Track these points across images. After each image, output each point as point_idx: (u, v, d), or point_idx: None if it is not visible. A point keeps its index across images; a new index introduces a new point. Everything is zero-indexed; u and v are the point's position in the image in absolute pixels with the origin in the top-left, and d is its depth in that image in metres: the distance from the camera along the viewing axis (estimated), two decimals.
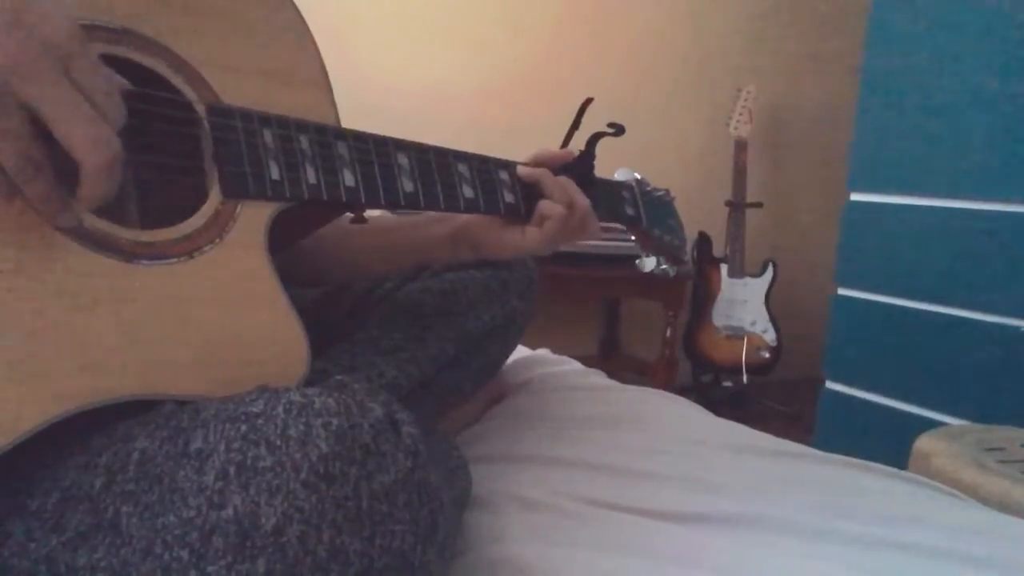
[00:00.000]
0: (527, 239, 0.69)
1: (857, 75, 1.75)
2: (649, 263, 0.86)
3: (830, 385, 1.82)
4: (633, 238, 0.86)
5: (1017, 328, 1.48)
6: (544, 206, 0.69)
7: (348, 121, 0.59)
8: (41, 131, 0.40)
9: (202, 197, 0.51)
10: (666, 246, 0.85)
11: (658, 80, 2.60)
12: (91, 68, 0.41)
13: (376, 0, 2.24)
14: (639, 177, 0.85)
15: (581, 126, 0.77)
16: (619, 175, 0.84)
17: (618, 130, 0.77)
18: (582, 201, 0.70)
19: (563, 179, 0.71)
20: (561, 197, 0.69)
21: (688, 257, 0.74)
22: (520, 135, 2.39)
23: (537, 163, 0.72)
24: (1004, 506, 0.90)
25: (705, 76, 2.65)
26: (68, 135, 0.40)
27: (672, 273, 0.87)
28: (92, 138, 0.40)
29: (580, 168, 0.75)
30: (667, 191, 0.88)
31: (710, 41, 2.65)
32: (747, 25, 2.69)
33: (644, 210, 0.83)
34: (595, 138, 0.76)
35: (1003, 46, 1.49)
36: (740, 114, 2.49)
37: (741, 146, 2.49)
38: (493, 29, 2.37)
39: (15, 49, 0.38)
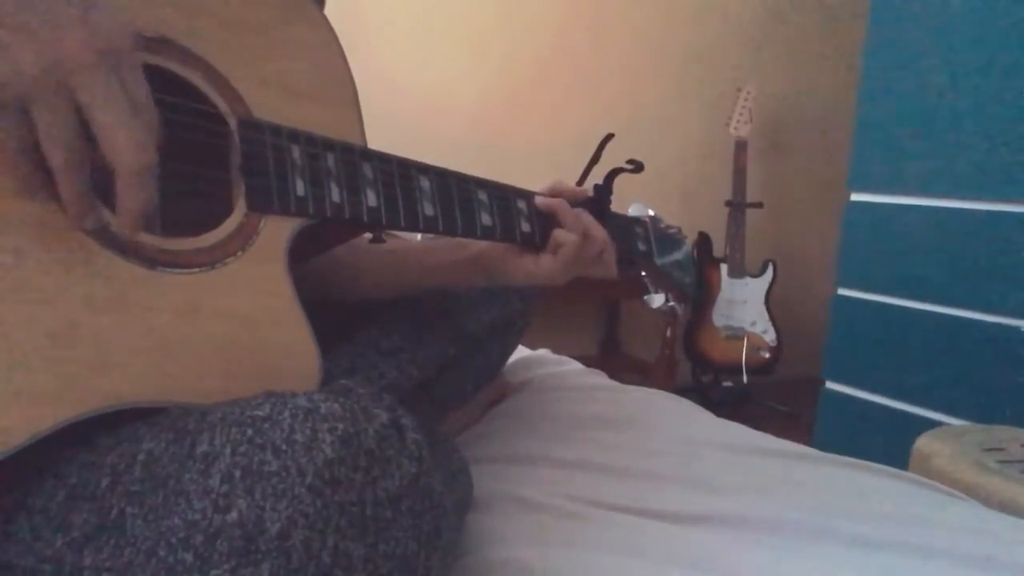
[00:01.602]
0: (540, 267, 0.70)
1: (857, 75, 1.76)
2: (658, 299, 0.87)
3: (830, 385, 1.82)
4: (643, 273, 0.86)
5: (1017, 328, 1.48)
6: (559, 234, 0.69)
7: None
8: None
9: (227, 209, 0.51)
10: (676, 283, 0.86)
11: (658, 80, 2.60)
12: (138, 73, 0.42)
13: (379, 4, 2.24)
14: (653, 214, 0.86)
15: (600, 159, 0.78)
16: (633, 210, 0.85)
17: (637, 167, 0.77)
18: (599, 233, 0.71)
19: (579, 210, 0.71)
20: (576, 227, 0.70)
21: (694, 293, 0.75)
22: (522, 137, 2.40)
23: (553, 194, 0.73)
24: (1004, 506, 0.90)
25: (705, 76, 2.65)
26: (112, 137, 0.41)
27: (680, 311, 0.88)
28: (134, 142, 0.41)
29: (596, 201, 0.76)
30: (679, 229, 0.89)
31: (710, 41, 2.65)
32: (747, 25, 2.69)
33: (656, 246, 0.83)
34: (613, 173, 0.77)
35: (1003, 46, 1.50)
36: (740, 114, 2.49)
37: (741, 146, 2.49)
38: (494, 32, 2.37)
39: (79, 48, 0.39)
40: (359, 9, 2.19)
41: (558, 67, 2.45)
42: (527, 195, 0.70)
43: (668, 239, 0.86)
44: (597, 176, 0.77)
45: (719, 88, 2.63)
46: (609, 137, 0.76)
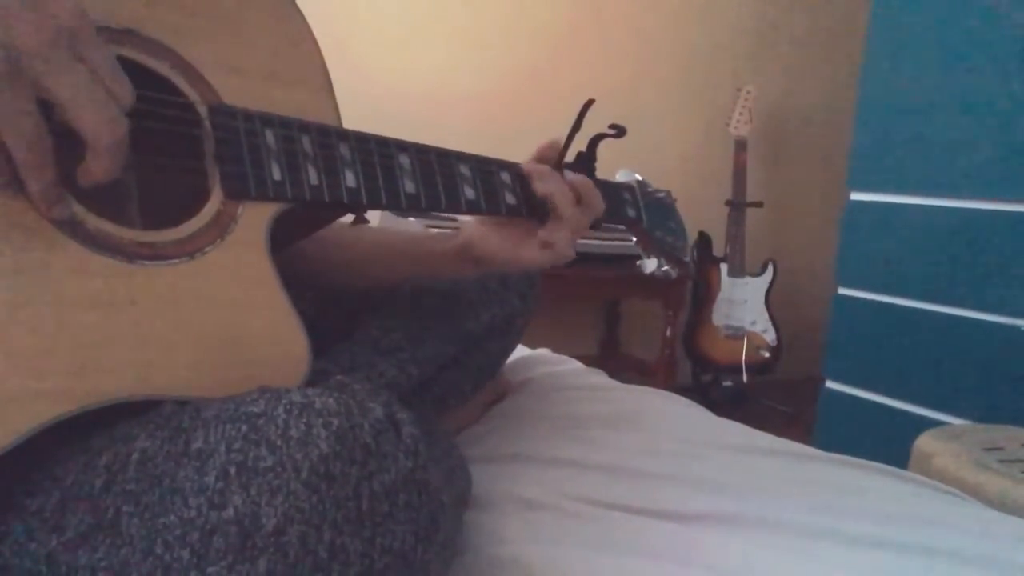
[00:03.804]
0: (530, 257, 0.69)
1: (857, 75, 1.76)
2: (650, 265, 0.86)
3: (830, 385, 1.82)
4: (635, 239, 0.86)
5: (1017, 328, 1.48)
6: (544, 234, 0.68)
7: (349, 123, 0.59)
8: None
9: (204, 198, 0.51)
10: (667, 248, 0.85)
11: (658, 80, 2.60)
12: (99, 49, 0.42)
13: (378, 2, 2.24)
14: (640, 179, 0.85)
15: (581, 127, 0.77)
16: (620, 176, 0.84)
17: (619, 132, 0.76)
18: (585, 186, 0.70)
19: (567, 172, 0.71)
20: (561, 191, 0.69)
21: (689, 258, 0.75)
22: (521, 137, 2.38)
23: (540, 159, 0.73)
24: (1004, 506, 0.90)
25: (705, 76, 2.65)
26: (79, 115, 0.40)
27: (674, 275, 0.88)
28: (103, 117, 0.41)
29: (581, 169, 0.75)
30: (668, 193, 0.88)
31: (710, 41, 2.65)
32: (747, 25, 2.69)
33: (645, 212, 0.83)
34: (596, 139, 0.76)
35: (1002, 46, 1.50)
36: (740, 114, 2.49)
37: (741, 146, 2.49)
38: (494, 31, 2.37)
39: (31, 31, 0.39)
40: (359, 7, 2.19)
41: (558, 66, 2.44)
42: (511, 167, 0.70)
43: (657, 203, 0.85)
44: (579, 144, 0.76)
45: (719, 88, 2.63)
46: (590, 103, 0.76)
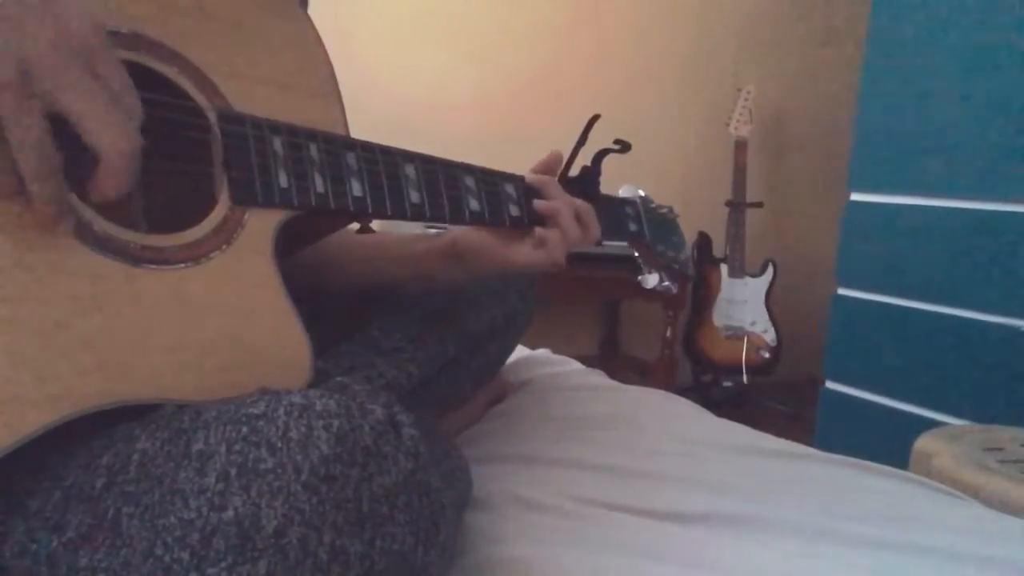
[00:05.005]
0: (523, 257, 0.69)
1: (857, 75, 1.76)
2: (651, 280, 0.87)
3: (830, 385, 1.82)
4: (636, 254, 0.86)
5: (1017, 328, 1.48)
6: (540, 233, 0.69)
7: (351, 127, 0.60)
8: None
9: (210, 203, 0.51)
10: (669, 263, 0.86)
11: (659, 81, 2.60)
12: (113, 64, 0.42)
13: (379, 6, 2.23)
14: (643, 194, 0.86)
15: (586, 142, 0.77)
16: (623, 191, 0.85)
17: (624, 147, 0.77)
18: (586, 211, 0.71)
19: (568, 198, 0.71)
20: (564, 201, 0.69)
21: (690, 271, 0.76)
22: (521, 140, 2.39)
23: (544, 171, 0.73)
24: (1004, 506, 0.90)
25: (705, 76, 2.65)
26: (94, 129, 0.40)
27: (675, 290, 0.88)
28: (118, 132, 0.41)
29: (585, 183, 0.75)
30: (671, 208, 0.89)
31: (710, 41, 2.65)
32: (747, 25, 2.69)
33: (647, 227, 0.83)
34: (601, 154, 0.77)
35: (1002, 47, 1.50)
36: (740, 114, 2.50)
37: (741, 146, 2.49)
38: (493, 34, 2.37)
39: (45, 46, 0.39)
40: (356, 8, 2.19)
41: (558, 67, 2.44)
42: (515, 178, 0.70)
43: (660, 219, 0.86)
44: (585, 159, 0.77)
45: (719, 88, 2.63)
46: (595, 118, 0.76)
